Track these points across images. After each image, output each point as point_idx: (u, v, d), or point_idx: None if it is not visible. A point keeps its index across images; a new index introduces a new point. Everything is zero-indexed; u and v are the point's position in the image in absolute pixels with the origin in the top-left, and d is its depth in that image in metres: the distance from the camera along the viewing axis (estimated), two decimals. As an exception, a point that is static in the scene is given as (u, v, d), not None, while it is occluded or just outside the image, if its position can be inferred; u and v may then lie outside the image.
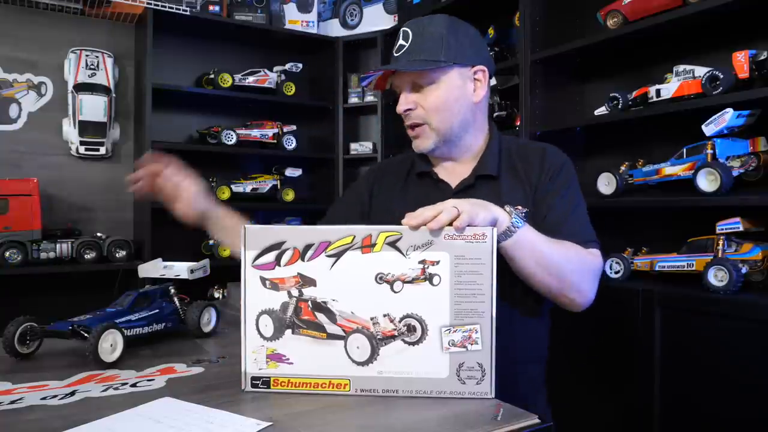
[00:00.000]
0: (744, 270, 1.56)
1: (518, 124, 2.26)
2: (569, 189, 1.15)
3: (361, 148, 3.24)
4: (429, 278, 0.85)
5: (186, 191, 1.22)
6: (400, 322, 0.86)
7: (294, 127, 3.16)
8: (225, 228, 1.27)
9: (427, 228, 0.85)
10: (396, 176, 1.28)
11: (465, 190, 1.17)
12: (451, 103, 1.15)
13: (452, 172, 1.21)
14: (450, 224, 0.86)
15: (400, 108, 1.16)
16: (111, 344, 1.03)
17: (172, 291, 1.29)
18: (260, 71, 3.05)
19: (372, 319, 0.86)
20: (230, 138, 2.92)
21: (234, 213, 1.29)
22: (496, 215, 0.93)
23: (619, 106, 1.91)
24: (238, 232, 0.89)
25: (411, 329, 0.86)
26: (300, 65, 3.19)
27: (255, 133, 3.03)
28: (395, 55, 1.15)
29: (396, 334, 0.86)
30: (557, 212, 1.11)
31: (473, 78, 1.17)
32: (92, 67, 2.74)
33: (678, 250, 1.76)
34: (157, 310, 1.22)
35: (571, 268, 1.04)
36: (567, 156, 1.20)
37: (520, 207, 1.11)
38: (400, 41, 1.15)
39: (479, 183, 1.17)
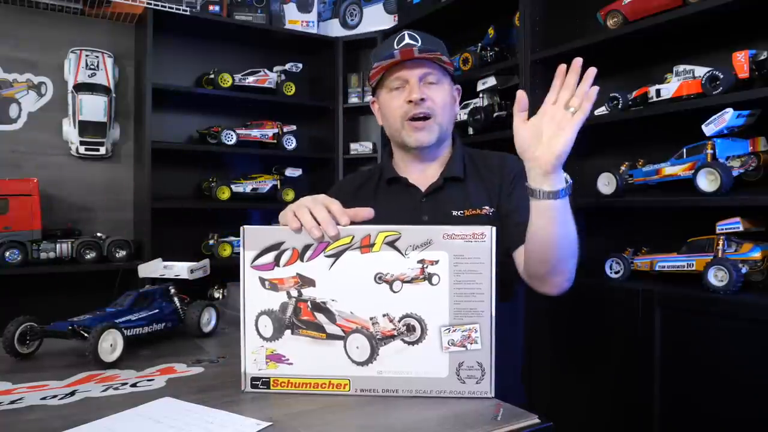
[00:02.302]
0: (744, 270, 1.56)
1: (518, 124, 2.26)
2: None
3: (361, 148, 3.24)
4: (428, 278, 0.85)
5: None
6: (399, 321, 0.86)
7: (294, 127, 3.16)
8: None
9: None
10: (367, 187, 1.32)
11: (434, 192, 1.24)
12: (449, 107, 1.24)
13: (421, 177, 1.26)
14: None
15: (418, 95, 1.18)
16: (111, 344, 1.03)
17: (172, 291, 1.29)
18: (260, 71, 3.05)
19: (371, 319, 0.86)
20: (230, 138, 2.92)
21: None
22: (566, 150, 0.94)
23: (619, 106, 1.91)
24: None
25: (410, 329, 0.86)
26: (300, 65, 3.19)
27: (255, 133, 3.03)
28: (406, 49, 1.17)
29: (395, 333, 0.86)
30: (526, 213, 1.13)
31: (454, 94, 1.29)
32: (92, 67, 2.74)
33: (678, 250, 1.76)
34: (157, 310, 1.22)
35: (575, 248, 1.06)
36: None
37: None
38: (408, 40, 1.21)
39: (447, 185, 1.24)
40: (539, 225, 1.00)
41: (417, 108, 1.19)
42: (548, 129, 0.94)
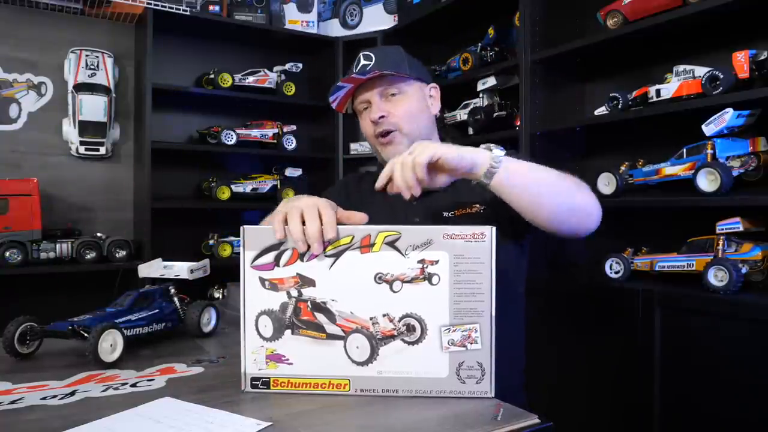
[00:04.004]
0: (744, 270, 1.56)
1: (518, 124, 2.26)
2: None
3: (361, 148, 3.24)
4: (428, 278, 0.85)
5: None
6: (399, 321, 0.86)
7: (294, 127, 3.16)
8: None
9: (406, 181, 0.92)
10: (367, 185, 1.32)
11: (424, 195, 1.17)
12: (418, 113, 1.26)
13: None
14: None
15: (375, 115, 1.23)
16: (111, 344, 1.03)
17: (172, 291, 1.28)
18: (260, 71, 3.05)
19: (371, 319, 0.86)
20: (230, 138, 2.92)
21: None
22: (468, 156, 0.95)
23: (619, 106, 1.91)
24: None
25: (410, 329, 0.86)
26: (300, 65, 3.19)
27: (255, 133, 3.03)
28: (360, 73, 1.22)
29: (395, 333, 0.86)
30: None
31: (429, 94, 1.31)
32: (92, 67, 2.74)
33: (678, 250, 1.76)
34: (157, 310, 1.21)
35: (569, 184, 1.05)
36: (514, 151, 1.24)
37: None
38: (363, 62, 1.26)
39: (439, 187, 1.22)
40: (513, 202, 1.01)
41: (379, 126, 1.24)
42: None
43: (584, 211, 1.06)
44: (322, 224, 0.86)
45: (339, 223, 0.88)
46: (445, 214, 1.19)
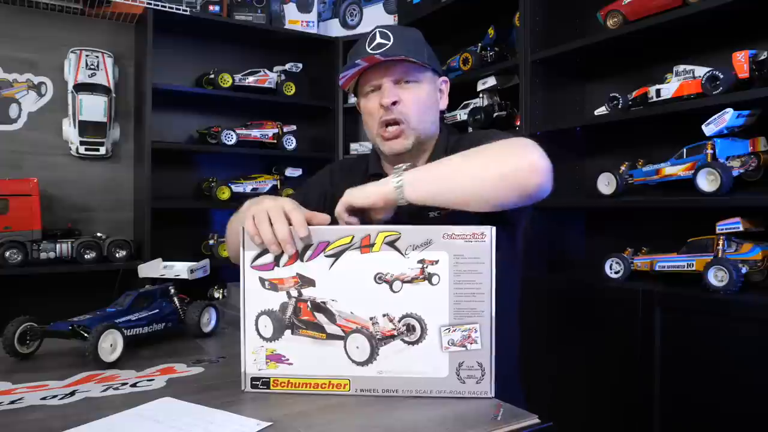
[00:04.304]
0: (744, 270, 1.56)
1: (518, 124, 2.26)
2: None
3: (361, 148, 3.24)
4: (428, 278, 0.85)
5: None
6: (399, 321, 0.86)
7: (294, 127, 3.16)
8: None
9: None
10: (355, 175, 1.28)
11: None
12: (429, 106, 1.18)
13: None
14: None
15: (388, 99, 1.12)
16: (111, 344, 1.03)
17: (172, 291, 1.28)
18: (260, 71, 3.05)
19: (371, 319, 0.86)
20: (230, 138, 2.92)
21: None
22: (373, 191, 0.93)
23: (619, 106, 1.91)
24: None
25: (410, 329, 0.86)
26: (300, 65, 3.19)
27: (255, 133, 3.03)
28: (376, 51, 1.12)
29: (395, 333, 0.86)
30: None
31: (440, 88, 1.23)
32: (92, 67, 2.74)
33: (678, 250, 1.76)
34: (157, 310, 1.22)
35: (484, 158, 0.96)
36: (503, 132, 1.19)
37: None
38: (380, 40, 1.14)
39: None
40: (447, 204, 0.96)
41: (389, 113, 1.14)
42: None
43: (519, 174, 0.93)
44: (291, 225, 0.86)
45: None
46: (431, 214, 1.15)
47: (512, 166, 0.93)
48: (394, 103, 1.13)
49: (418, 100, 1.15)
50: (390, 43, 1.13)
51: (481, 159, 0.96)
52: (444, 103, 1.25)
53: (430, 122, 1.19)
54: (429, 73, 1.19)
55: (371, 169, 1.27)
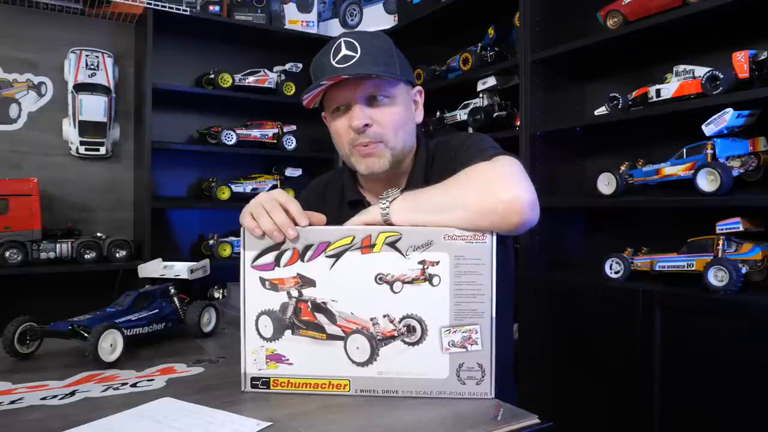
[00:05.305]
0: (744, 270, 1.56)
1: (518, 124, 2.26)
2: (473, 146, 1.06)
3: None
4: (429, 279, 0.85)
5: None
6: (399, 322, 0.86)
7: (294, 127, 3.15)
8: None
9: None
10: (332, 203, 1.21)
11: None
12: (405, 122, 1.09)
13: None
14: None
15: (359, 122, 1.04)
16: (111, 344, 1.03)
17: (172, 291, 1.29)
18: (260, 71, 3.05)
19: (372, 319, 0.86)
20: (230, 138, 2.92)
21: None
22: (364, 217, 0.91)
23: (619, 106, 1.91)
24: None
25: (411, 330, 0.86)
26: (300, 65, 3.19)
27: (255, 133, 3.03)
28: (343, 66, 1.02)
29: (396, 334, 0.86)
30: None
31: (414, 99, 1.15)
32: (92, 67, 2.74)
33: (678, 250, 1.76)
34: (157, 310, 1.22)
35: (475, 189, 0.88)
36: (482, 134, 1.16)
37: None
38: (346, 51, 1.03)
39: None
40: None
41: (361, 137, 1.06)
42: None
43: (501, 211, 0.86)
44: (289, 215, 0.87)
45: None
46: None
47: (494, 202, 0.86)
48: (366, 125, 1.05)
49: (392, 119, 1.06)
50: (357, 56, 1.02)
51: (462, 195, 0.88)
52: (420, 115, 1.16)
53: (408, 139, 1.11)
54: (402, 85, 1.09)
55: (348, 195, 1.19)
